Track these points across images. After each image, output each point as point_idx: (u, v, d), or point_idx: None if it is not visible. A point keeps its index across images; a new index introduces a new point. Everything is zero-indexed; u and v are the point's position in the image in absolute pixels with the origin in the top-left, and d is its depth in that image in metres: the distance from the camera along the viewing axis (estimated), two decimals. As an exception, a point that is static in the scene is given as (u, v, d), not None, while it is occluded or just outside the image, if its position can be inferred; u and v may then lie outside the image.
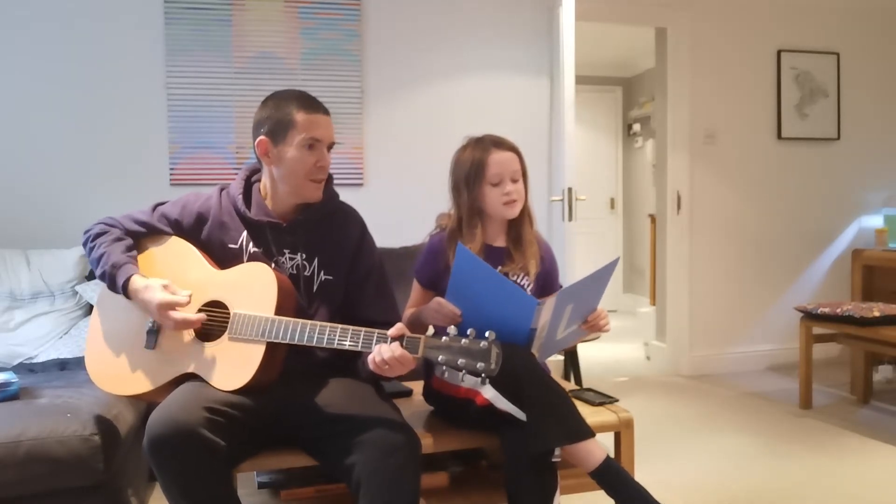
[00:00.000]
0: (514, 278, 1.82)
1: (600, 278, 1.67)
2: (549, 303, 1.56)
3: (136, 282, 1.59)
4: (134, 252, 1.67)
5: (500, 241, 1.89)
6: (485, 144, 1.83)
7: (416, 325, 1.73)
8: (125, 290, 1.60)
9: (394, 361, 1.43)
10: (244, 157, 3.36)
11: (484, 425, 1.68)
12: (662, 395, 3.80)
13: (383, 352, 1.44)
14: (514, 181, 1.82)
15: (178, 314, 1.54)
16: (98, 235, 1.68)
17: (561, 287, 1.95)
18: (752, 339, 4.40)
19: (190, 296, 1.58)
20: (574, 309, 1.67)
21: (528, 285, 1.84)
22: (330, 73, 3.53)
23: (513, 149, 1.85)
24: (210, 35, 3.37)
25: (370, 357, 1.47)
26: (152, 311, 1.56)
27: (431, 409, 1.90)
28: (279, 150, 1.65)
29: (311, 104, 1.66)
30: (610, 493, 1.58)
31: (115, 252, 1.63)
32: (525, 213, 1.88)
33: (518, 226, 1.88)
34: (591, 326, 1.76)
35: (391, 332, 1.47)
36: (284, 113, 1.64)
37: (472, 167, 1.80)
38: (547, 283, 1.92)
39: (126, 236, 1.69)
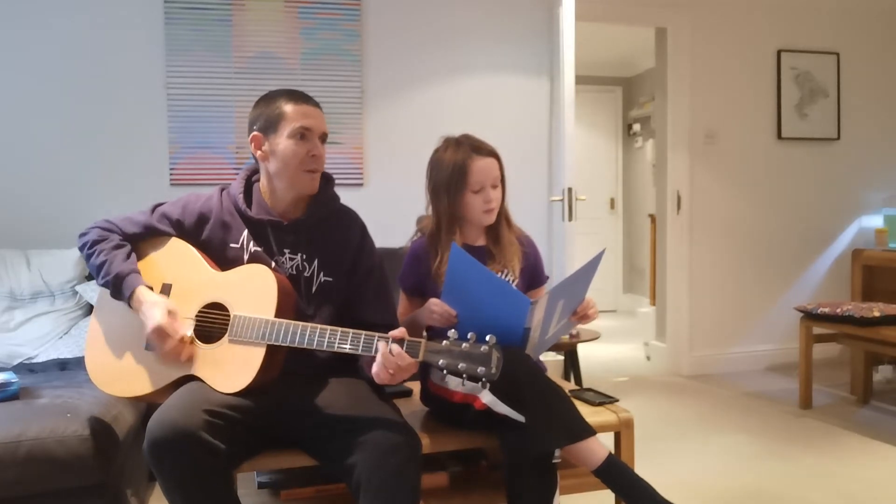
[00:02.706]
0: (500, 275, 1.83)
1: (588, 271, 1.69)
2: (542, 302, 1.57)
3: (142, 294, 1.57)
4: (134, 258, 1.66)
5: (480, 241, 1.90)
6: (465, 149, 1.82)
7: (412, 328, 1.73)
8: (129, 301, 1.59)
9: (396, 366, 1.43)
10: (244, 157, 3.37)
11: (482, 426, 1.68)
12: (662, 395, 3.80)
13: (381, 351, 1.44)
14: (494, 187, 1.83)
15: (168, 345, 1.52)
16: (96, 242, 1.66)
17: (547, 277, 1.99)
18: (752, 339, 4.40)
19: (185, 337, 1.55)
20: (564, 304, 1.68)
21: (513, 281, 1.85)
22: (330, 73, 3.54)
23: (493, 154, 1.85)
24: (210, 35, 3.37)
25: (374, 372, 1.47)
26: (147, 329, 1.54)
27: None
28: (271, 142, 1.66)
29: (300, 96, 1.68)
30: (615, 490, 1.58)
31: (116, 260, 1.62)
32: (502, 215, 1.89)
33: (496, 227, 1.89)
34: (581, 318, 1.77)
35: (392, 334, 1.47)
36: (274, 107, 1.66)
37: (454, 173, 1.80)
38: (533, 276, 1.95)
39: (125, 242, 1.68)
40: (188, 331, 1.57)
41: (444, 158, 1.84)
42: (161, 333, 1.52)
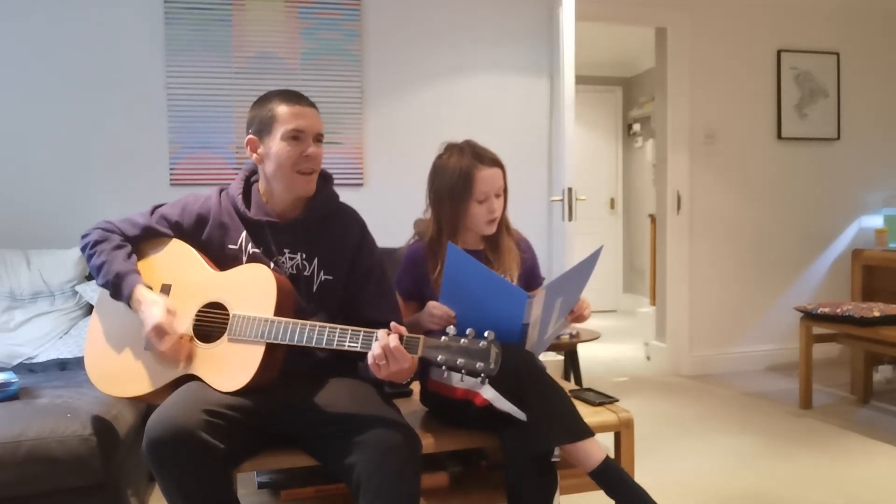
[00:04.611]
0: None
1: (585, 269, 1.69)
2: (539, 297, 1.57)
3: (141, 294, 1.58)
4: (134, 258, 1.67)
5: (478, 246, 1.90)
6: (469, 157, 1.80)
7: (411, 331, 1.72)
8: (128, 300, 1.59)
9: (389, 353, 1.42)
10: (244, 157, 3.37)
11: (483, 425, 1.68)
12: (662, 395, 3.80)
13: (380, 342, 1.43)
14: (498, 197, 1.83)
15: (166, 343, 1.53)
16: (97, 242, 1.66)
17: (543, 279, 1.99)
18: (752, 339, 4.40)
19: (184, 336, 1.57)
20: (563, 302, 1.68)
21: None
22: (330, 73, 3.53)
23: (498, 163, 1.84)
24: (210, 35, 3.37)
25: (369, 354, 1.46)
26: (146, 327, 1.54)
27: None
28: (266, 145, 1.66)
29: (293, 97, 1.67)
30: (609, 493, 1.58)
31: (117, 260, 1.62)
32: (502, 223, 1.89)
33: (495, 234, 1.89)
34: (577, 317, 1.77)
35: (392, 326, 1.46)
36: (267, 109, 1.66)
37: (459, 181, 1.79)
38: (529, 279, 1.95)
39: (126, 243, 1.68)
40: (187, 329, 1.57)
41: (448, 165, 1.82)
42: (160, 331, 1.52)
